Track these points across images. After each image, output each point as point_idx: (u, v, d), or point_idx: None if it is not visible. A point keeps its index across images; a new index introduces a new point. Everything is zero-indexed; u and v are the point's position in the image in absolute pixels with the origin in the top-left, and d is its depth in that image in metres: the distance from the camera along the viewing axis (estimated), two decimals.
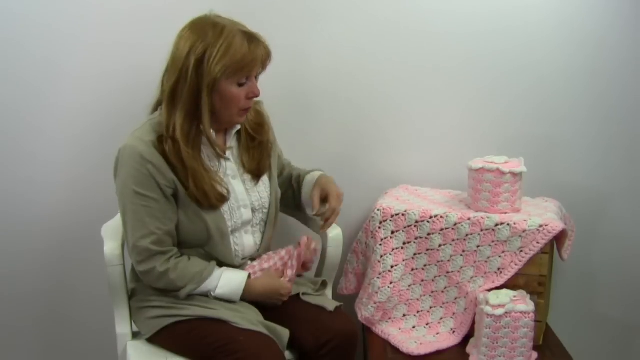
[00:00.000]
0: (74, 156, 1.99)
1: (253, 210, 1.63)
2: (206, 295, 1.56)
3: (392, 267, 1.77)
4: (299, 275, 1.70)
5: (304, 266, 1.67)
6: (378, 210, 1.79)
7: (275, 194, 1.69)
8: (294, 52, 1.96)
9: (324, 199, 1.69)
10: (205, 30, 1.47)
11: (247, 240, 1.64)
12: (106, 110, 1.97)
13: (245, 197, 1.61)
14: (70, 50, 1.91)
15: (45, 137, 1.96)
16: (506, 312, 1.56)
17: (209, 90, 1.48)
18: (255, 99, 1.62)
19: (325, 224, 1.67)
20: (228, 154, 1.61)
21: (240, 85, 1.50)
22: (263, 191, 1.66)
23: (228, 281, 1.56)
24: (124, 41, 1.91)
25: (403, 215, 1.76)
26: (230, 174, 1.61)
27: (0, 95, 1.92)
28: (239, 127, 1.62)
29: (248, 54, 1.47)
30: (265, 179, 1.67)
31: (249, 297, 1.58)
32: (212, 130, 1.55)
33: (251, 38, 1.49)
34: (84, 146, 1.98)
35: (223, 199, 1.55)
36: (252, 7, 1.85)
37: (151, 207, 1.49)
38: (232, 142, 1.63)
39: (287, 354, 1.54)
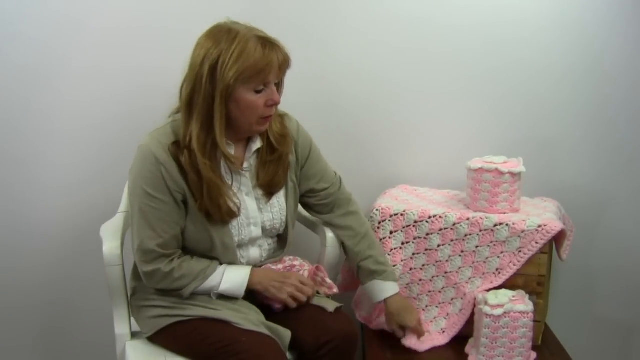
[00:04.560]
0: (74, 156, 1.99)
1: (263, 230, 1.60)
2: (209, 294, 1.55)
3: None
4: None
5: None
6: (377, 210, 1.79)
7: (292, 215, 1.65)
8: (295, 54, 1.95)
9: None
10: (220, 37, 1.43)
11: (252, 253, 1.62)
12: (107, 112, 1.97)
13: (257, 215, 1.58)
14: (75, 50, 1.91)
15: (45, 138, 1.96)
16: (505, 312, 1.56)
17: (224, 98, 1.43)
18: (282, 113, 1.61)
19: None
20: (245, 169, 1.57)
21: (258, 92, 1.45)
22: (277, 212, 1.61)
23: (231, 276, 1.54)
24: (130, 43, 1.91)
25: (402, 215, 1.76)
26: (244, 190, 1.57)
27: (1, 98, 1.93)
28: (260, 144, 1.58)
29: (262, 59, 1.42)
30: (281, 199, 1.62)
31: (254, 285, 1.55)
32: (230, 142, 1.52)
33: (266, 43, 1.44)
34: (83, 146, 1.98)
35: (233, 214, 1.53)
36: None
37: (160, 209, 1.48)
38: (251, 158, 1.58)
39: (287, 354, 1.54)
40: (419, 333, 1.70)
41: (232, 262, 1.58)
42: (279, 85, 1.52)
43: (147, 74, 1.90)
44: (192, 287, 1.52)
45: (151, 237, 1.48)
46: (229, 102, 1.44)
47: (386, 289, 1.67)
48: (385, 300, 1.68)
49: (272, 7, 1.93)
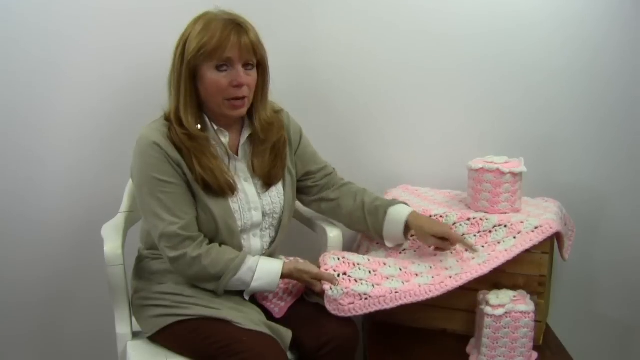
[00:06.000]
0: (75, 156, 1.99)
1: (264, 214, 1.62)
2: (241, 292, 1.56)
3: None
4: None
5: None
6: None
7: (290, 202, 1.68)
8: (294, 50, 1.96)
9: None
10: (196, 20, 1.51)
11: (254, 243, 1.63)
12: (107, 111, 1.97)
13: (257, 200, 1.61)
14: (73, 50, 1.92)
15: (46, 138, 1.97)
16: (506, 312, 1.56)
17: (188, 73, 1.49)
18: (277, 108, 1.65)
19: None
20: (240, 155, 1.60)
21: (221, 70, 1.49)
22: (275, 196, 1.64)
23: (264, 273, 1.53)
24: (126, 42, 1.92)
25: None
26: (241, 175, 1.60)
27: (1, 95, 1.93)
28: (250, 131, 1.61)
29: (220, 35, 1.47)
30: (279, 185, 1.66)
31: (284, 276, 1.56)
32: (222, 129, 1.56)
33: (231, 23, 1.49)
34: (84, 146, 1.99)
35: (231, 186, 1.55)
36: (255, 5, 1.85)
37: (174, 192, 1.50)
38: (245, 145, 1.62)
39: (288, 354, 1.54)
40: (461, 240, 1.64)
41: (236, 249, 1.58)
42: (263, 72, 1.56)
43: (154, 72, 1.90)
44: (225, 281, 1.51)
45: (172, 221, 1.49)
46: (196, 79, 1.51)
47: (402, 210, 1.67)
48: (407, 220, 1.65)
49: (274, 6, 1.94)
